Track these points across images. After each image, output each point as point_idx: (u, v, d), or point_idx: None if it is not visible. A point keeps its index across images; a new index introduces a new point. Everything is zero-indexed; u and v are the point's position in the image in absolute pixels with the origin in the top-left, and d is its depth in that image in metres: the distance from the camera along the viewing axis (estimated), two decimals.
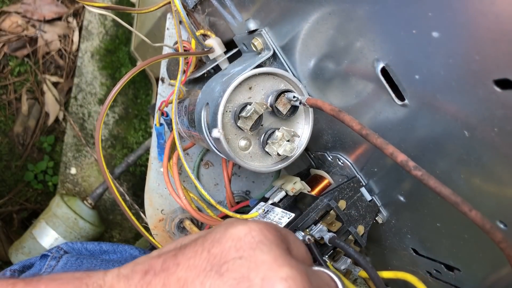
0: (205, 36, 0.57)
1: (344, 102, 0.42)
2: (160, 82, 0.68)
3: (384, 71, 0.34)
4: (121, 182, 1.31)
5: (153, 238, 0.57)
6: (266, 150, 0.44)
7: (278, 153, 0.44)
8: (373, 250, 0.58)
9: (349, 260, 0.45)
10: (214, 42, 0.54)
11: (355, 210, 0.47)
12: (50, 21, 1.32)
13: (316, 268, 0.30)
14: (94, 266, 0.68)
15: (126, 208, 0.46)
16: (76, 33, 1.34)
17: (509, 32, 0.24)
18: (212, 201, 0.48)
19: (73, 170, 1.30)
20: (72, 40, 1.34)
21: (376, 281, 0.35)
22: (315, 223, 0.45)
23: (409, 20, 0.29)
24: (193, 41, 0.54)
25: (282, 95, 0.44)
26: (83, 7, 1.34)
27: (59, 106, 1.31)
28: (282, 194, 0.49)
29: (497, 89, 0.26)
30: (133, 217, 0.47)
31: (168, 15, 0.67)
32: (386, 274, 0.39)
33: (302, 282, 0.26)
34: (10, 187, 1.28)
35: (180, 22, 0.54)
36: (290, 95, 0.43)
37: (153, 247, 1.00)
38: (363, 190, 0.47)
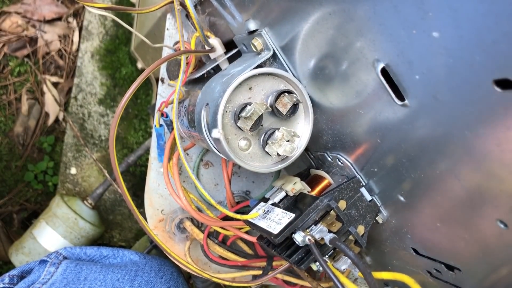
0: (205, 36, 0.57)
1: (344, 102, 0.42)
2: (160, 82, 0.68)
3: (384, 71, 0.34)
4: None
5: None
6: (266, 150, 0.44)
7: (278, 153, 0.44)
8: (374, 250, 0.58)
9: (349, 260, 0.45)
10: (215, 42, 0.54)
11: (355, 210, 0.47)
12: (50, 21, 1.32)
13: None
14: (94, 272, 0.68)
15: (133, 204, 0.46)
16: (76, 33, 1.34)
17: (509, 32, 0.24)
18: (212, 201, 0.48)
19: (73, 170, 1.30)
20: (72, 40, 1.34)
21: (372, 286, 0.35)
22: (315, 223, 0.45)
23: (409, 20, 0.29)
24: (192, 41, 0.54)
25: (282, 95, 0.44)
26: (83, 7, 1.34)
27: (59, 107, 1.31)
28: (282, 194, 0.49)
29: (498, 89, 0.26)
30: (137, 212, 0.47)
31: (168, 16, 0.68)
32: (384, 275, 0.39)
33: None
34: (10, 187, 1.28)
35: (185, 17, 0.54)
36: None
37: (153, 247, 1.00)
38: (363, 190, 0.47)
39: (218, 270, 0.70)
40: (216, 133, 0.42)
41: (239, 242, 0.66)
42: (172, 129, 0.60)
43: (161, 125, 0.62)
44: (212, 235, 0.65)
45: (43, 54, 1.32)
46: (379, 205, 0.48)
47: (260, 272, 0.61)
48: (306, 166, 0.58)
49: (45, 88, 1.31)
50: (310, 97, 0.45)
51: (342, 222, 0.46)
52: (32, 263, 0.73)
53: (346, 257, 0.46)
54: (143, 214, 0.62)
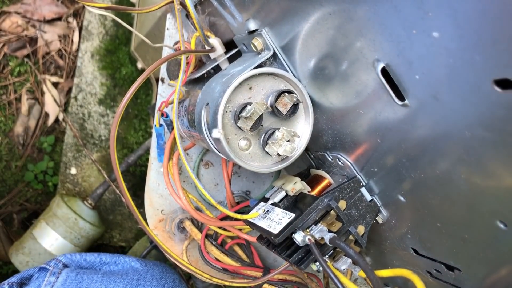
0: (205, 36, 0.57)
1: (344, 102, 0.42)
2: (160, 82, 0.68)
3: (384, 71, 0.34)
4: None
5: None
6: (266, 150, 0.44)
7: (278, 153, 0.44)
8: (374, 250, 0.58)
9: (349, 260, 0.45)
10: (215, 42, 0.54)
11: (355, 210, 0.47)
12: (50, 21, 1.32)
13: None
14: (95, 281, 0.67)
15: (133, 204, 0.46)
16: (76, 33, 1.34)
17: (509, 32, 0.24)
18: (213, 201, 0.48)
19: (73, 170, 1.30)
20: (72, 40, 1.34)
21: (374, 283, 0.35)
22: (316, 223, 0.45)
23: (409, 20, 0.29)
24: (192, 41, 0.54)
25: (282, 95, 0.44)
26: (83, 7, 1.34)
27: (59, 107, 1.31)
28: (282, 194, 0.49)
29: (497, 89, 0.26)
30: (137, 213, 0.47)
31: (168, 15, 0.68)
32: (384, 273, 0.40)
33: None
34: (10, 187, 1.28)
35: (185, 17, 0.54)
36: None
37: (153, 248, 1.00)
38: (363, 190, 0.47)
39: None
40: (216, 133, 0.42)
41: (237, 250, 0.66)
42: (172, 129, 0.60)
43: (161, 125, 0.62)
44: (211, 236, 0.65)
45: (43, 54, 1.32)
46: (379, 205, 0.48)
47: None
48: (306, 166, 0.58)
49: (45, 88, 1.31)
50: (310, 97, 0.45)
51: (342, 222, 0.46)
52: (32, 270, 0.73)
53: (346, 257, 0.46)
54: (143, 214, 0.62)
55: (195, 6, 0.55)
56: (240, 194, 0.70)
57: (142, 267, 0.73)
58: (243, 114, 0.42)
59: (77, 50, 1.33)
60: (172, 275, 0.74)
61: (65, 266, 0.73)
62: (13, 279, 0.70)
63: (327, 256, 0.46)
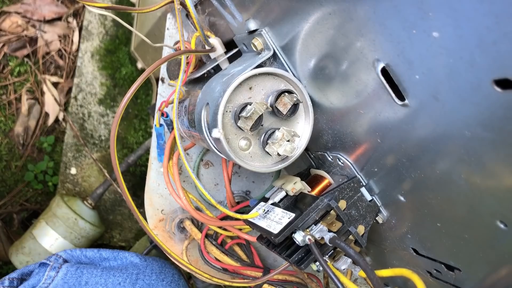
0: (205, 36, 0.57)
1: (344, 102, 0.42)
2: (160, 82, 0.68)
3: (384, 71, 0.34)
4: None
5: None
6: (267, 150, 0.44)
7: (278, 153, 0.44)
8: (374, 250, 0.58)
9: (349, 260, 0.45)
10: (215, 42, 0.54)
11: (356, 210, 0.47)
12: (50, 21, 1.32)
13: None
14: (95, 276, 0.68)
15: (133, 204, 0.46)
16: (76, 33, 1.34)
17: (510, 33, 0.24)
18: (213, 201, 0.48)
19: (73, 170, 1.30)
20: (72, 40, 1.34)
21: (375, 283, 0.35)
22: (316, 223, 0.45)
23: (409, 20, 0.29)
24: (193, 41, 0.54)
25: (282, 95, 0.44)
26: (83, 7, 1.34)
27: (59, 107, 1.31)
28: (282, 194, 0.49)
29: (498, 89, 0.26)
30: (138, 212, 0.47)
31: (168, 15, 0.68)
32: (384, 273, 0.40)
33: None
34: (10, 187, 1.28)
35: (185, 17, 0.54)
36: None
37: (153, 247, 1.00)
38: (363, 190, 0.48)
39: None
40: (216, 132, 0.42)
41: (237, 250, 0.66)
42: (172, 128, 0.60)
43: (161, 125, 0.62)
44: (211, 236, 0.65)
45: (43, 54, 1.32)
46: (379, 205, 0.48)
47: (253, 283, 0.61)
48: (306, 166, 0.58)
49: (45, 88, 1.31)
50: (310, 97, 0.45)
51: (342, 222, 0.46)
52: (32, 266, 0.73)
53: (346, 257, 0.46)
54: (143, 214, 0.62)
55: (195, 6, 0.55)
56: (240, 194, 0.70)
57: (142, 262, 0.73)
58: (243, 114, 0.42)
59: (77, 50, 1.33)
60: (172, 270, 0.74)
61: (65, 261, 0.73)
62: (14, 274, 0.71)
63: (327, 256, 0.46)
